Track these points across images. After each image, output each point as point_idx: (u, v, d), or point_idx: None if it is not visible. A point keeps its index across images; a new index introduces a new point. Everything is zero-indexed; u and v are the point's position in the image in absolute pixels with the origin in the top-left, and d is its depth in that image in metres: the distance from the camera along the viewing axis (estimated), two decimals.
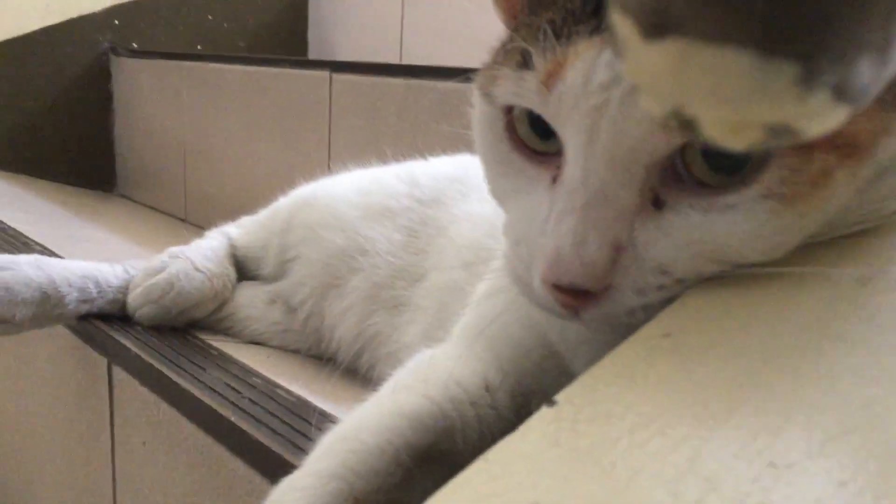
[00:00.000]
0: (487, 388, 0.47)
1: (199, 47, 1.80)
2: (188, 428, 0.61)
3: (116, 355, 0.71)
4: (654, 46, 0.25)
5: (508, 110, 0.40)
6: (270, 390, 0.63)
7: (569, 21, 0.37)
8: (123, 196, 1.74)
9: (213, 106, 1.50)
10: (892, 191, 0.38)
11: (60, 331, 0.81)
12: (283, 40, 1.89)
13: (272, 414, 0.58)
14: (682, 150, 0.36)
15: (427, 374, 0.51)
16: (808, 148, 0.35)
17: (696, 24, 0.25)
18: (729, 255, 0.37)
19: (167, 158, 1.61)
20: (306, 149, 1.31)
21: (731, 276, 0.37)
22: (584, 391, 0.33)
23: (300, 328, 0.77)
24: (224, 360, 0.69)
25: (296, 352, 0.78)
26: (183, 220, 1.57)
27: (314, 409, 0.61)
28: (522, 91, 0.38)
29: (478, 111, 0.42)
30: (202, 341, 0.74)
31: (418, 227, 0.73)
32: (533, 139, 0.40)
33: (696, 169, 0.36)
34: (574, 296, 0.38)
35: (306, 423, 0.57)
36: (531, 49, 0.37)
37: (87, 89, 1.71)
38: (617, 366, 0.35)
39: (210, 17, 1.83)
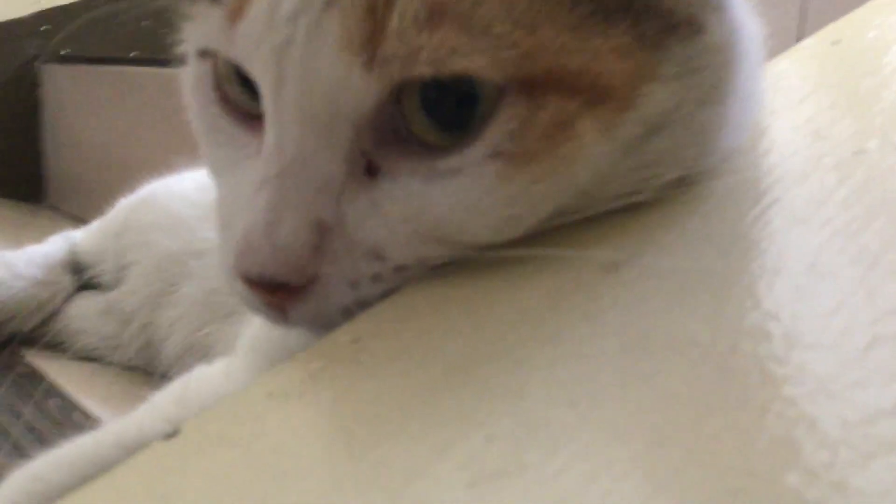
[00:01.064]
0: None
1: (133, 54, 1.72)
2: None
3: None
4: None
5: (215, 65, 0.33)
6: (65, 415, 0.55)
7: None
8: (53, 208, 1.66)
9: (139, 112, 1.43)
10: (665, 154, 0.30)
11: None
12: None
13: (46, 442, 0.49)
14: (401, 103, 0.28)
15: (186, 394, 0.43)
16: (539, 91, 0.27)
17: None
18: (453, 233, 0.29)
19: (96, 168, 1.53)
20: None
21: (458, 262, 0.29)
22: (218, 416, 0.25)
23: (132, 342, 0.68)
24: (26, 379, 0.61)
25: (132, 369, 0.69)
26: None
27: None
28: (211, 31, 0.31)
29: (187, 68, 0.35)
30: (18, 357, 0.65)
31: None
32: (244, 99, 0.32)
33: (417, 126, 0.29)
34: (271, 291, 0.30)
35: None
36: None
37: (14, 97, 1.63)
38: (279, 380, 0.26)
39: (145, 24, 1.75)
